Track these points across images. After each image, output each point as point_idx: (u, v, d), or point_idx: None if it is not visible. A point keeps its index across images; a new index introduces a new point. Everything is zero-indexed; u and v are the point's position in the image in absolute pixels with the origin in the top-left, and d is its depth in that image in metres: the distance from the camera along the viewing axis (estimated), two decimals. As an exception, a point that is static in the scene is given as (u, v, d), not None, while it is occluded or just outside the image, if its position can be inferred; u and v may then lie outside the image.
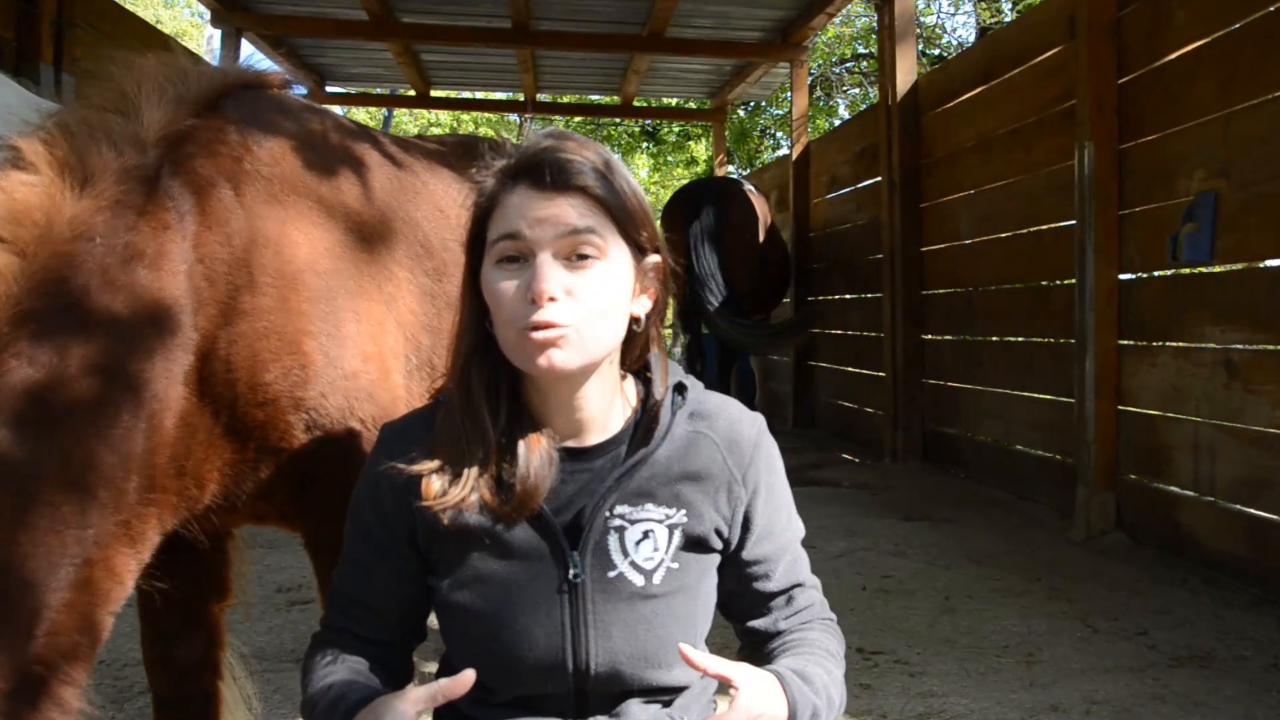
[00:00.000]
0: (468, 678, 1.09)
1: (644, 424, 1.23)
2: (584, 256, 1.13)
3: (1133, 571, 3.86)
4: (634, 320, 1.21)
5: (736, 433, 1.25)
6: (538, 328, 1.10)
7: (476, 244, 1.20)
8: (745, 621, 1.30)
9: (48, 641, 1.17)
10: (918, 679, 2.80)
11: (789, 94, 10.11)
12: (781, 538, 1.28)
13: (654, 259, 1.21)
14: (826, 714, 1.17)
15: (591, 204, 1.14)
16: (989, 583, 3.75)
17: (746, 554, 1.26)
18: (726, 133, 12.41)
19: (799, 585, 1.30)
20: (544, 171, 1.13)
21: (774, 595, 1.28)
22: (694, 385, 1.27)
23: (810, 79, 12.30)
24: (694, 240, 6.94)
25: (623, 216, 1.16)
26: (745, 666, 1.14)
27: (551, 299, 1.10)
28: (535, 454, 1.17)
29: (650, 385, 1.25)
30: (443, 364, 1.59)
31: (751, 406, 8.79)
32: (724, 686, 1.14)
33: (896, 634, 3.19)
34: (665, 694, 1.22)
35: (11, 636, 1.13)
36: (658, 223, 1.24)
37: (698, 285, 6.90)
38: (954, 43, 15.44)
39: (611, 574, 1.18)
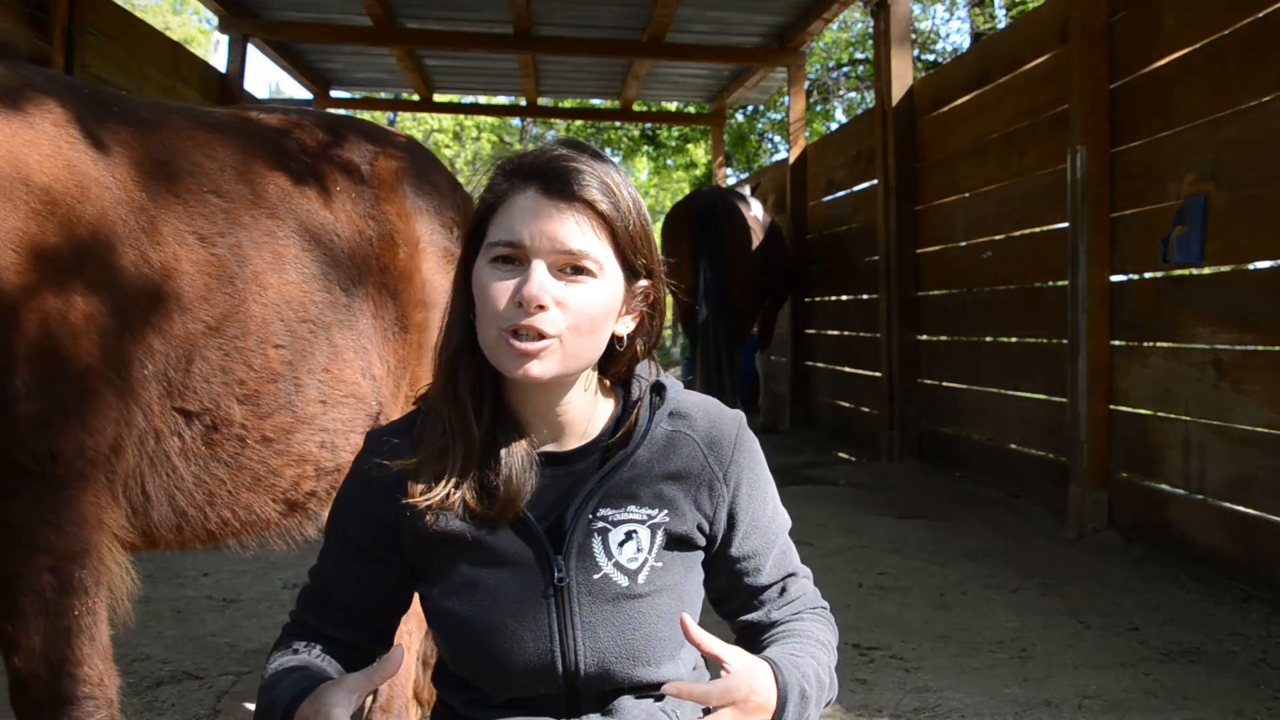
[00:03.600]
0: (397, 657, 1.09)
1: (623, 425, 1.23)
2: (579, 270, 1.13)
3: (1124, 569, 3.91)
4: (616, 339, 1.20)
5: (717, 430, 1.25)
6: (520, 332, 1.11)
7: (475, 237, 1.19)
8: (740, 617, 1.30)
9: None
10: (913, 674, 2.84)
11: (786, 98, 10.17)
12: (768, 531, 1.28)
13: (644, 284, 1.21)
14: (816, 698, 1.18)
15: (596, 220, 1.14)
16: (983, 580, 3.79)
17: (735, 550, 1.25)
18: (725, 136, 12.46)
19: (791, 576, 1.30)
20: (555, 178, 1.14)
21: (766, 588, 1.28)
22: (672, 385, 1.27)
23: (807, 84, 12.33)
24: (692, 261, 7.01)
25: (624, 237, 1.16)
26: (738, 649, 1.16)
27: (541, 307, 1.11)
28: (516, 456, 1.18)
29: (630, 387, 1.26)
30: None
31: (754, 405, 8.72)
32: (717, 673, 1.16)
33: (892, 630, 3.23)
34: (657, 689, 1.22)
35: None
36: (657, 241, 1.25)
37: (693, 300, 6.97)
38: (949, 48, 15.52)
39: (596, 576, 1.18)
